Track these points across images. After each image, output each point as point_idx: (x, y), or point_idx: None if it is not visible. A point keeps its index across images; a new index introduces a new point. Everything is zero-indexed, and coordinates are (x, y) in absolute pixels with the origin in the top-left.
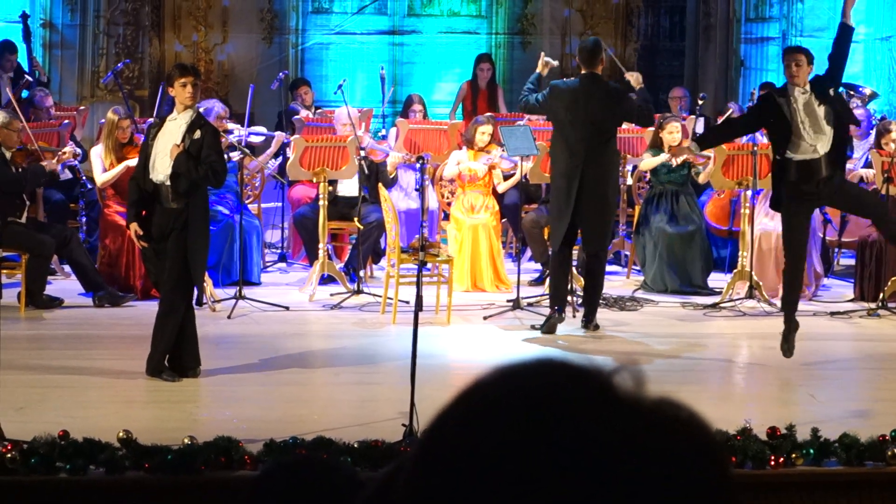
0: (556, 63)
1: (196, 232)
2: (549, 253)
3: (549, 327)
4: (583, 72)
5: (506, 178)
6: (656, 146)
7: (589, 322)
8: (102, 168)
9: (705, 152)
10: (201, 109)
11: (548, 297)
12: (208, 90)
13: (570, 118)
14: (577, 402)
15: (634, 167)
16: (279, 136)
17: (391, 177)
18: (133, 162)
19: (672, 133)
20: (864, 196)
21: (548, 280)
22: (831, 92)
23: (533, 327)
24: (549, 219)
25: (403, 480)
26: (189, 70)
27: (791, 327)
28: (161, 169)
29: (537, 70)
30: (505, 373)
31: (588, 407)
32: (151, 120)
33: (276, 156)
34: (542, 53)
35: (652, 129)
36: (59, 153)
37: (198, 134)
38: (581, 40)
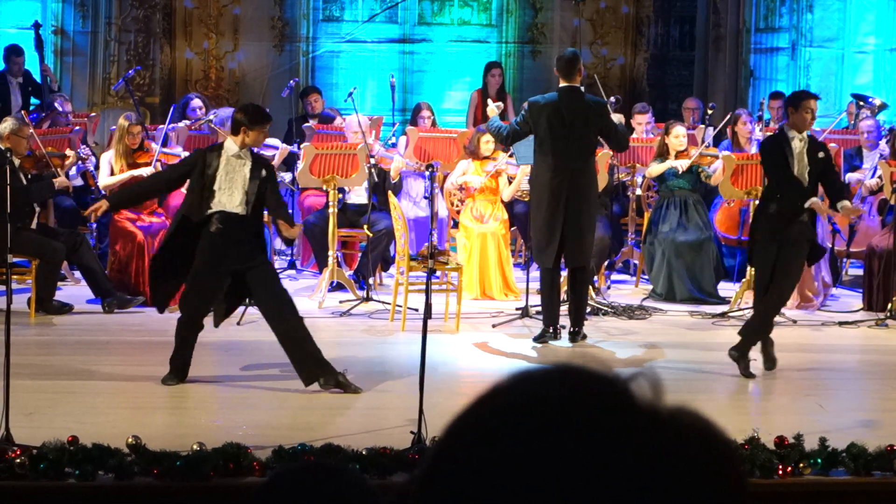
0: (500, 108)
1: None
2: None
3: (542, 341)
4: (561, 84)
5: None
6: (662, 154)
7: (576, 335)
8: (109, 172)
9: (710, 150)
10: (211, 116)
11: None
12: (219, 98)
13: (552, 133)
14: (595, 410)
15: (643, 177)
16: (283, 149)
17: (394, 182)
18: (138, 172)
19: (678, 137)
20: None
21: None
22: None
23: (536, 339)
24: (536, 236)
25: (417, 486)
26: (269, 118)
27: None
28: (226, 202)
29: (492, 115)
30: (522, 379)
31: (605, 414)
32: (175, 126)
33: (286, 167)
34: (490, 100)
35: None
36: (65, 160)
37: (264, 173)
38: (559, 53)
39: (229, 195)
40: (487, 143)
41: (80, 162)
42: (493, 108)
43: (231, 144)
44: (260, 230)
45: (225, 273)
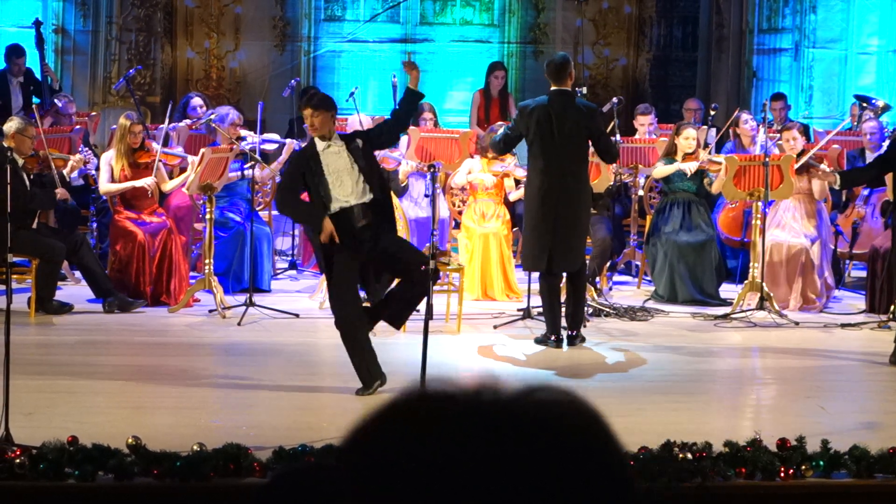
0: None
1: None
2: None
3: (543, 343)
4: (552, 88)
5: (518, 185)
6: (670, 154)
7: (574, 338)
8: (109, 176)
9: (717, 158)
10: (212, 115)
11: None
12: (220, 97)
13: (542, 136)
14: (445, 422)
15: (646, 178)
16: (290, 143)
17: (402, 185)
18: (140, 182)
19: (688, 139)
20: None
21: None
22: None
23: (537, 340)
24: (525, 241)
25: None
26: (308, 103)
27: None
28: (344, 195)
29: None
30: (395, 406)
31: (456, 423)
32: (176, 125)
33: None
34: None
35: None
36: (71, 162)
37: (359, 143)
38: (549, 57)
39: (340, 188)
40: None
41: (83, 165)
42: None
43: (317, 140)
44: (387, 211)
45: (360, 261)
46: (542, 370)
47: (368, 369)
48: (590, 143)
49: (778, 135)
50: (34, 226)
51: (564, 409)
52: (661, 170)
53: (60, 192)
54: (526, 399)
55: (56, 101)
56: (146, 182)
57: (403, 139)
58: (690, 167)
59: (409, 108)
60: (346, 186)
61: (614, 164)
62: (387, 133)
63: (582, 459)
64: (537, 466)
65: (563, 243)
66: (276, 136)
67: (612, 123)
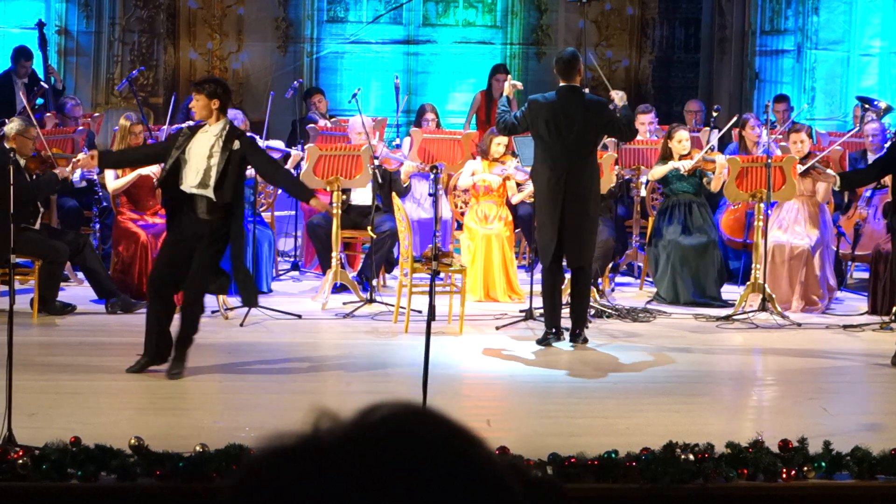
0: (520, 85)
1: (234, 246)
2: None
3: (544, 344)
4: (561, 84)
5: (519, 188)
6: (666, 157)
7: (577, 336)
8: (115, 175)
9: (711, 156)
10: None
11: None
12: None
13: (550, 132)
14: (302, 473)
15: (647, 181)
16: (296, 154)
17: (405, 186)
18: (144, 171)
19: (681, 141)
20: None
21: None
22: None
23: (539, 341)
24: (538, 236)
25: None
26: (195, 86)
27: None
28: (188, 181)
29: (504, 93)
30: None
31: (304, 463)
32: (180, 126)
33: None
34: (509, 77)
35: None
36: (73, 160)
37: (236, 145)
38: (557, 53)
39: (187, 172)
40: (499, 146)
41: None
42: (509, 88)
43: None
44: (231, 222)
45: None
46: (545, 370)
47: (154, 343)
48: (602, 137)
49: (781, 136)
50: (37, 227)
51: (409, 419)
52: (657, 170)
53: (60, 171)
54: (366, 421)
55: (65, 104)
56: (151, 170)
57: (406, 140)
58: (685, 165)
59: (290, 193)
60: (193, 174)
61: (616, 165)
62: (263, 173)
63: (443, 464)
64: (401, 483)
65: (573, 238)
66: (280, 144)
67: None
